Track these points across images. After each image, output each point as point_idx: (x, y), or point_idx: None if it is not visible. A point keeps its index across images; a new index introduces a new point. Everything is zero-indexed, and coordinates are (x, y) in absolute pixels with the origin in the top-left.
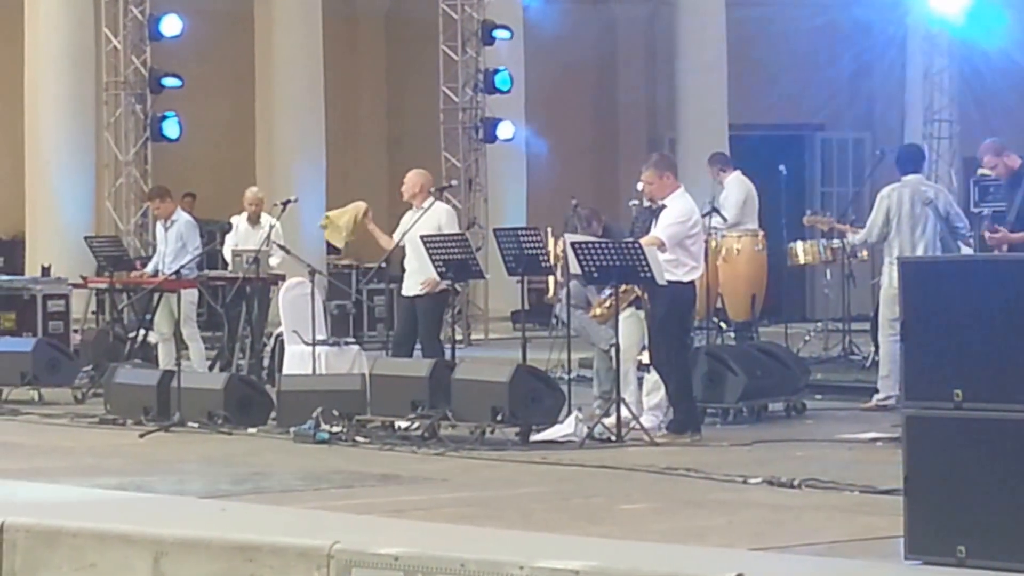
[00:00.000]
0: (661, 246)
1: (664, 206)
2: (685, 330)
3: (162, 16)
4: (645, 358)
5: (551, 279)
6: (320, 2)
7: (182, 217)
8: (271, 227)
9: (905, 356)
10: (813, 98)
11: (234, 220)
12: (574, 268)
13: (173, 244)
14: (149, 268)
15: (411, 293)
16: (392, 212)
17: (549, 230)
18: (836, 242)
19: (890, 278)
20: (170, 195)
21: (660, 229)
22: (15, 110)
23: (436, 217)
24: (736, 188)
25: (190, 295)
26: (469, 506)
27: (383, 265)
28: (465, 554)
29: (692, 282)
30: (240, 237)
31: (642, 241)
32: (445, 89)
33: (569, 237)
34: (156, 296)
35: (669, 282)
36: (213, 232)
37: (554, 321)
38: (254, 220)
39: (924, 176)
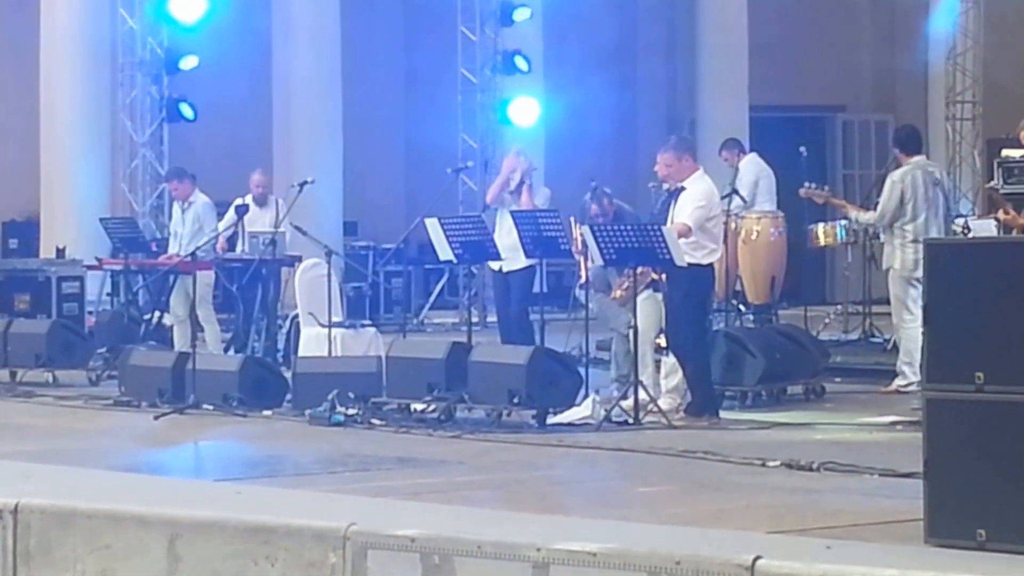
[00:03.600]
0: (688, 232)
1: (682, 188)
2: (704, 312)
3: None
4: (663, 340)
5: (583, 266)
6: None
7: (200, 199)
8: (287, 208)
9: (927, 338)
10: (835, 79)
11: (238, 201)
12: (593, 255)
13: (190, 226)
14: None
15: (506, 268)
16: (409, 191)
17: (572, 219)
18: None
19: (903, 260)
20: (188, 176)
21: (684, 214)
22: (30, 91)
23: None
24: (748, 169)
25: (206, 277)
26: (485, 489)
27: (401, 246)
28: (482, 536)
29: (711, 264)
30: (248, 219)
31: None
32: (463, 70)
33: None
34: (172, 278)
35: (688, 264)
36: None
37: (572, 303)
38: (260, 202)
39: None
